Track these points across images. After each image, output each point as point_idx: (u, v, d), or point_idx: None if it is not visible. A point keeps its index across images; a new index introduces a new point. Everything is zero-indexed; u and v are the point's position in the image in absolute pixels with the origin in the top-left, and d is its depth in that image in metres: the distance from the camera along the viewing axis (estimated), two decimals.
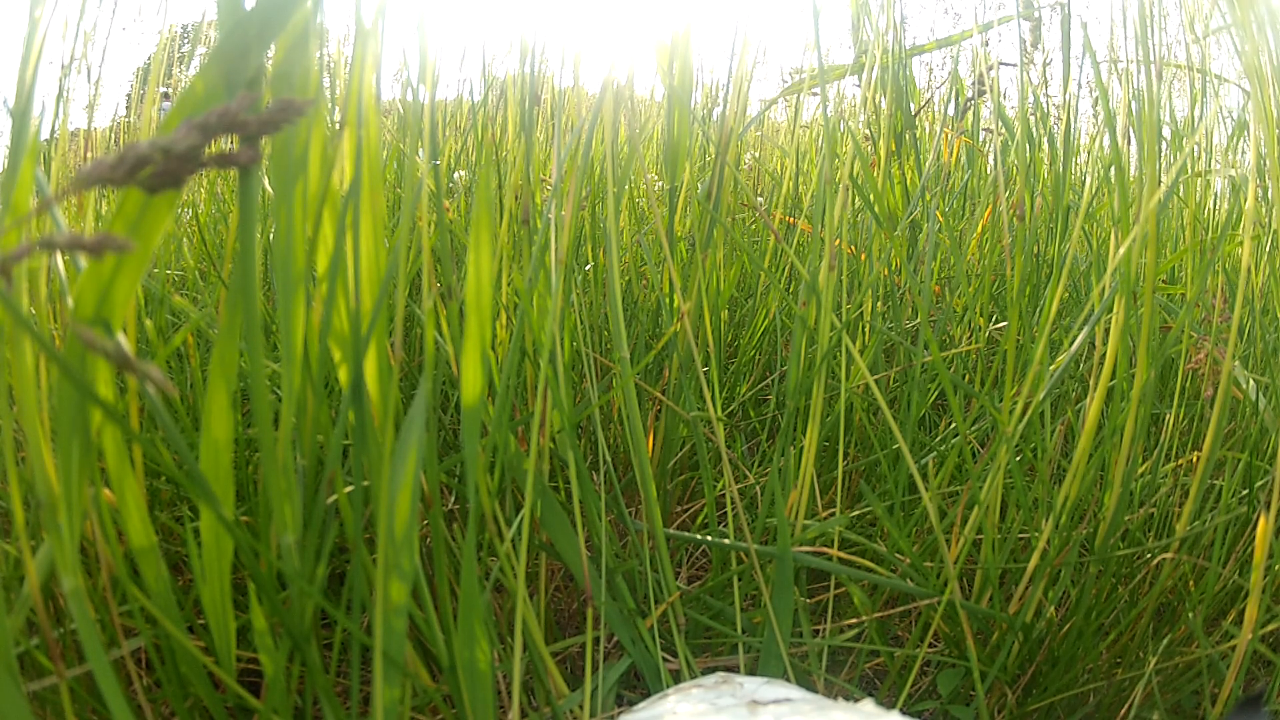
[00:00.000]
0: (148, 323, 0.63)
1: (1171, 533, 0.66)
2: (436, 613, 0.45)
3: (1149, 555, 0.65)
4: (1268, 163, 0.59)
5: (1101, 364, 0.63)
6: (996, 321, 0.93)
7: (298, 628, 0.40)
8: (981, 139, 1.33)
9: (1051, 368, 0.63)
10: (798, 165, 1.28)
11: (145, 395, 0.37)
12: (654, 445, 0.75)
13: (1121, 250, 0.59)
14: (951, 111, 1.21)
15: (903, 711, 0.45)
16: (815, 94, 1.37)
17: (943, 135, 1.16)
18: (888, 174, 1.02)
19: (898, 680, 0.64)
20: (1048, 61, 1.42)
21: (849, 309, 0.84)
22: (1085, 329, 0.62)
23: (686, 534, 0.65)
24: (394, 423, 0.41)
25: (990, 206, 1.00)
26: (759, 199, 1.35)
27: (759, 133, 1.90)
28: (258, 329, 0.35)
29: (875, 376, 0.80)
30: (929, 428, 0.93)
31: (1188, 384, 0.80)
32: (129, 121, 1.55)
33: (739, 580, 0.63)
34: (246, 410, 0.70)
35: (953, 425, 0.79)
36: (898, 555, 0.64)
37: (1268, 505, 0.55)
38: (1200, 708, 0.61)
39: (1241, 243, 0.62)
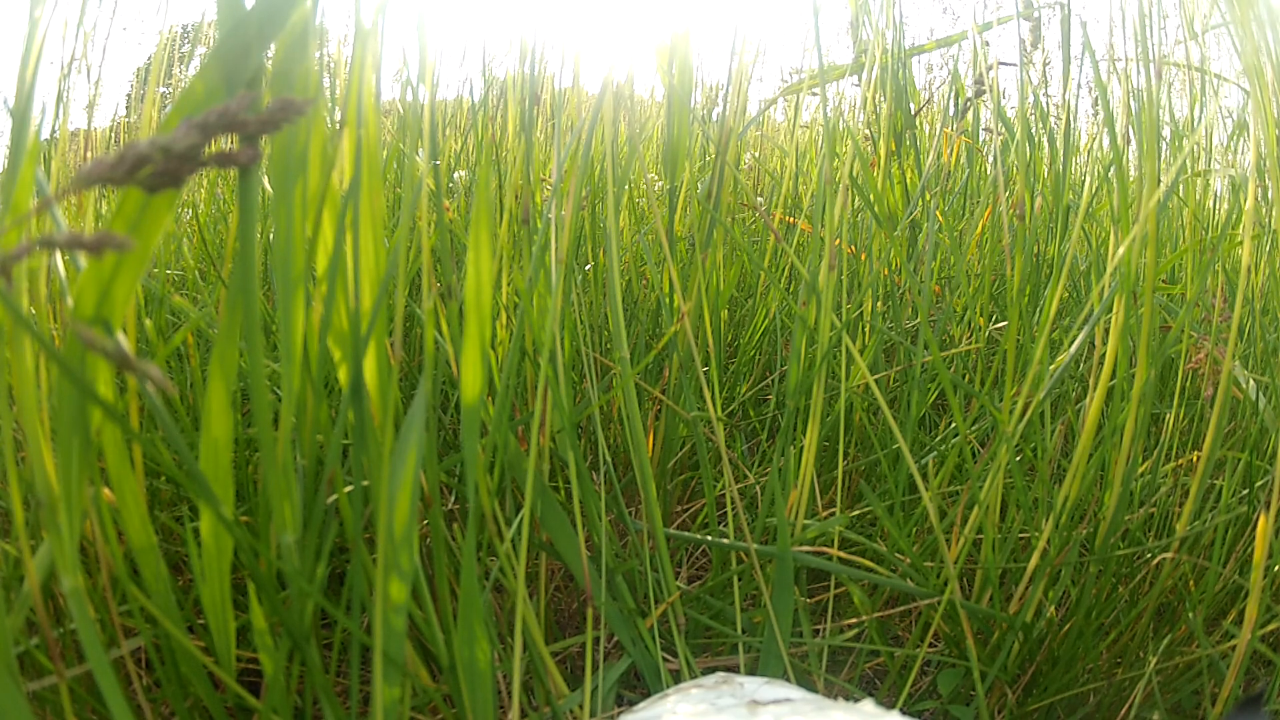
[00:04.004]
0: (148, 322, 0.63)
1: (1171, 533, 0.66)
2: (436, 612, 0.45)
3: (1149, 555, 0.65)
4: (1268, 163, 0.59)
5: (1101, 364, 0.63)
6: (996, 321, 0.93)
7: (298, 627, 0.40)
8: (981, 139, 1.33)
9: (1051, 368, 0.63)
10: (798, 165, 1.28)
11: (145, 395, 0.37)
12: (654, 445, 0.75)
13: (1121, 250, 0.59)
14: (951, 111, 1.20)
15: (903, 711, 0.45)
16: (815, 94, 1.37)
17: (942, 135, 1.16)
18: (888, 174, 1.02)
19: (898, 680, 0.64)
20: (1047, 61, 1.42)
21: (849, 309, 0.84)
22: (1085, 329, 0.62)
23: (686, 534, 0.65)
24: (394, 422, 0.41)
25: (990, 206, 1.00)
26: (759, 199, 1.35)
27: (759, 133, 1.90)
28: (258, 329, 0.35)
29: (875, 376, 0.80)
30: (929, 428, 0.93)
31: (1188, 384, 0.80)
32: (129, 121, 1.56)
33: (739, 580, 0.63)
34: (246, 410, 0.70)
35: (953, 425, 0.79)
36: (898, 555, 0.64)
37: (1268, 505, 0.55)
38: (1200, 708, 0.61)
39: (1241, 243, 0.62)
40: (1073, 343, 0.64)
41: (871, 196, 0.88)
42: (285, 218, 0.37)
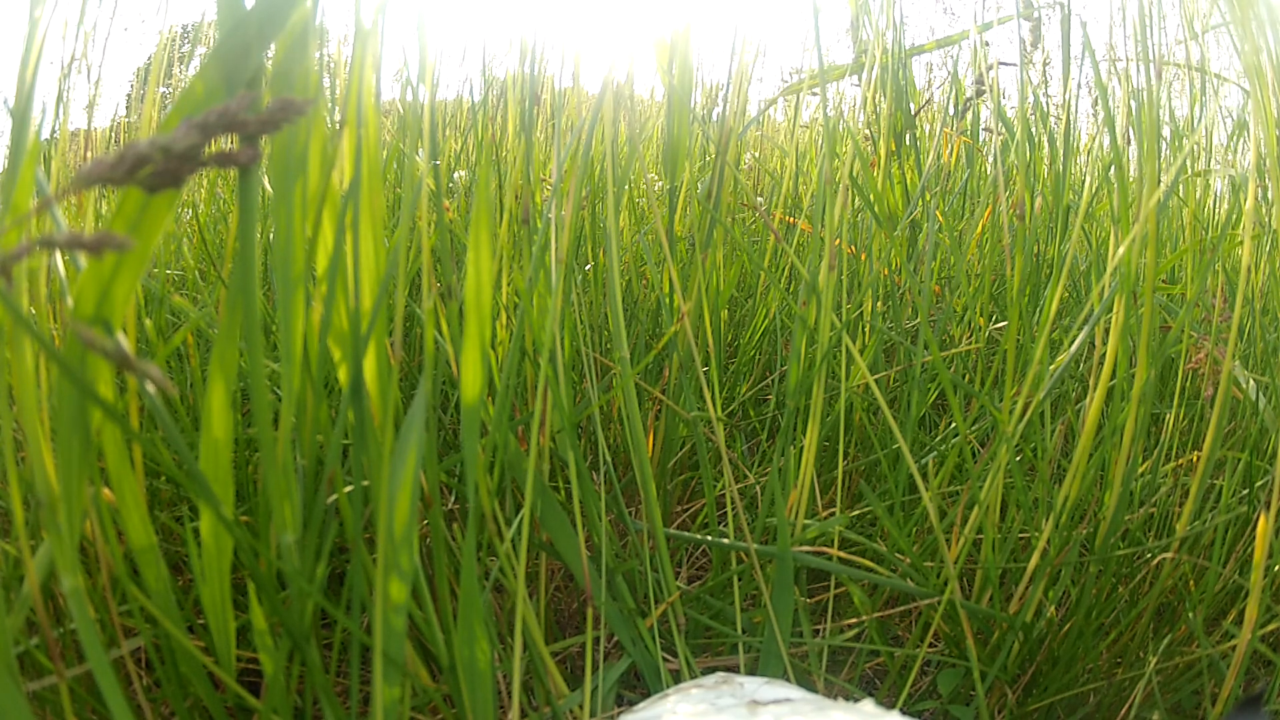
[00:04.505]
0: (147, 322, 0.63)
1: (1171, 533, 0.66)
2: (436, 612, 0.45)
3: (1149, 555, 0.65)
4: (1268, 163, 0.59)
5: (1101, 364, 0.63)
6: (996, 321, 0.93)
7: (298, 627, 0.40)
8: (981, 139, 1.33)
9: (1051, 368, 0.63)
10: (798, 165, 1.28)
11: (145, 395, 0.37)
12: (654, 445, 0.75)
13: (1121, 250, 0.59)
14: (951, 111, 1.21)
15: (903, 711, 0.45)
16: (815, 94, 1.37)
17: (942, 135, 1.16)
18: (888, 174, 1.02)
19: (898, 680, 0.64)
20: (1047, 61, 1.42)
21: (849, 309, 0.84)
22: (1085, 329, 0.62)
23: (686, 534, 0.65)
24: (394, 422, 0.41)
25: (990, 206, 1.00)
26: (759, 199, 1.35)
27: (759, 133, 1.90)
28: (258, 329, 0.35)
29: (875, 376, 0.80)
30: (929, 428, 0.93)
31: (1188, 384, 0.80)
32: (129, 121, 1.56)
33: (739, 580, 0.63)
34: (246, 410, 0.70)
35: (953, 425, 0.79)
36: (898, 555, 0.64)
37: (1268, 505, 0.55)
38: (1200, 708, 0.61)
39: (1241, 243, 0.62)
40: (1073, 343, 0.64)
41: (871, 196, 0.88)
42: (285, 218, 0.37)
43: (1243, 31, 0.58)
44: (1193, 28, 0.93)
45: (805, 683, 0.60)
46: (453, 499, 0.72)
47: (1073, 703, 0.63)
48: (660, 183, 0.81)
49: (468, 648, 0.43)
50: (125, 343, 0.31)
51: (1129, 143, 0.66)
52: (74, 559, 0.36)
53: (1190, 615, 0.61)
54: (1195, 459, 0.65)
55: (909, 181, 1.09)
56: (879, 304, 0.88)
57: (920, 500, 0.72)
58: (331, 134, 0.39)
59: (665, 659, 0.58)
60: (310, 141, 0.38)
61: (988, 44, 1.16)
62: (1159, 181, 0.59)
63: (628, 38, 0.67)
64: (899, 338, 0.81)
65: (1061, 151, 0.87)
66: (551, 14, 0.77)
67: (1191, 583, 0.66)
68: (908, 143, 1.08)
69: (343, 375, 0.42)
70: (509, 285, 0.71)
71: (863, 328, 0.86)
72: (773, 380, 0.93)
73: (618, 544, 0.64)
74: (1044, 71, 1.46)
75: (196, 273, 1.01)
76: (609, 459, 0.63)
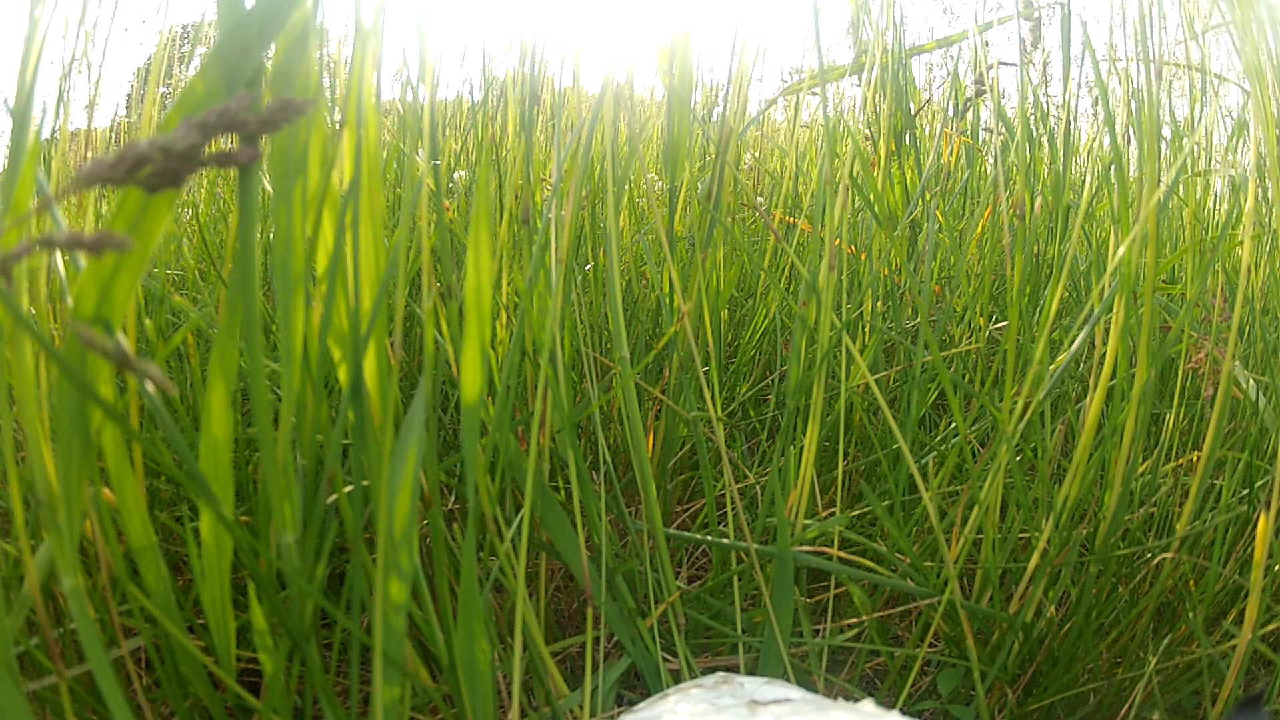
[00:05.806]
0: (148, 322, 0.63)
1: (1171, 533, 0.66)
2: (436, 612, 0.45)
3: (1149, 555, 0.65)
4: (1268, 163, 0.59)
5: (1101, 364, 0.63)
6: (996, 321, 0.93)
7: (297, 627, 0.40)
8: (981, 139, 1.33)
9: (1051, 368, 0.63)
10: (798, 165, 1.27)
11: (145, 395, 0.37)
12: (654, 445, 0.75)
13: (1121, 250, 0.59)
14: (951, 111, 1.20)
15: (903, 711, 0.45)
16: (815, 94, 1.37)
17: (942, 135, 1.16)
18: (888, 174, 1.02)
19: (898, 680, 0.64)
20: (1047, 61, 1.42)
21: (849, 309, 0.84)
22: (1085, 329, 0.62)
23: (686, 534, 0.65)
24: (394, 422, 0.41)
25: (990, 206, 1.00)
26: (759, 199, 1.35)
27: (759, 133, 1.90)
28: (257, 328, 0.35)
29: (875, 376, 0.80)
30: (929, 428, 0.93)
31: (1188, 384, 0.80)
32: (129, 121, 1.56)
33: (739, 580, 0.63)
34: (246, 410, 0.70)
35: (953, 425, 0.79)
36: (898, 555, 0.64)
37: (1268, 505, 0.55)
38: (1200, 708, 0.61)
39: (1241, 243, 0.62)
40: (1073, 343, 0.64)
41: (871, 196, 0.88)
42: (285, 218, 0.37)
43: (1243, 31, 0.58)
44: (1193, 28, 0.93)
45: (805, 683, 0.60)
46: (453, 499, 0.72)
47: (1073, 703, 0.63)
48: (660, 183, 0.81)
49: (468, 648, 0.43)
50: (125, 343, 0.31)
51: (1129, 143, 0.66)
52: (74, 559, 0.36)
53: (1190, 615, 0.61)
54: (1195, 459, 0.65)
55: (909, 181, 1.09)
56: (879, 304, 0.88)
57: (920, 500, 0.72)
58: (331, 134, 0.39)
59: (665, 659, 0.58)
60: (310, 141, 0.38)
61: (988, 44, 1.16)
62: (1159, 181, 0.59)
63: (628, 38, 0.67)
64: (899, 338, 0.81)
65: (1061, 151, 0.87)
66: (551, 14, 0.77)
67: (1191, 583, 0.66)
68: (908, 143, 1.08)
69: (343, 375, 0.42)
70: (509, 285, 0.71)
71: (863, 328, 0.86)
72: (773, 380, 0.93)
73: (618, 544, 0.64)
74: (1044, 71, 1.46)
75: (196, 273, 1.01)
76: (609, 459, 0.64)
